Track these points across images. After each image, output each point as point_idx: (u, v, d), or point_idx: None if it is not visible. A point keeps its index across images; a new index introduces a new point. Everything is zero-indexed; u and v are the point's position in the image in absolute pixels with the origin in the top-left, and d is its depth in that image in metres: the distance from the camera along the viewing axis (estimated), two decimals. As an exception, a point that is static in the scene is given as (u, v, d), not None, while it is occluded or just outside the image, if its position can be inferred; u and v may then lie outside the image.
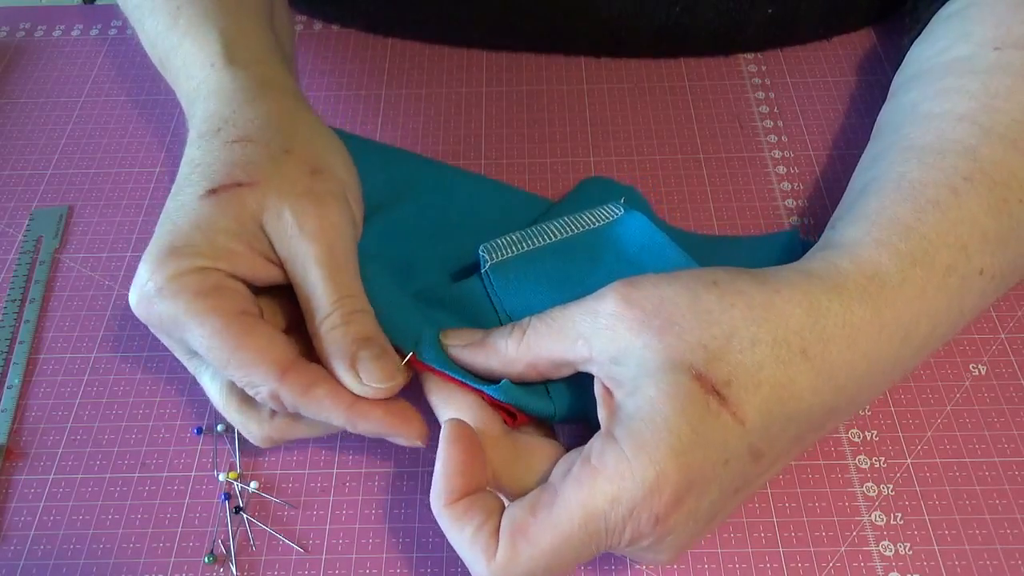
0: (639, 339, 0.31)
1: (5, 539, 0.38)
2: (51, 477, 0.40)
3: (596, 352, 0.32)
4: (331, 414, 0.34)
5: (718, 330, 0.31)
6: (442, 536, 0.37)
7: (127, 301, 0.46)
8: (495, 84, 0.56)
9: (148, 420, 0.41)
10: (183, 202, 0.35)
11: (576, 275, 0.39)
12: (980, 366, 0.42)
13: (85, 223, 0.49)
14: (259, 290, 0.36)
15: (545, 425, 0.37)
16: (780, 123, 0.53)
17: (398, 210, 0.44)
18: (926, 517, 0.37)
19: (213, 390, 0.36)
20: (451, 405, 0.35)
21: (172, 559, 0.37)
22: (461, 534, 0.31)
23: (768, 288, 0.32)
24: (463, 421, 0.33)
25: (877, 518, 0.37)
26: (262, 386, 0.33)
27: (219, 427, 0.40)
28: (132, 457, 0.40)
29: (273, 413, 0.36)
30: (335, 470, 0.39)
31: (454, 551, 0.36)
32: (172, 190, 0.36)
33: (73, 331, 0.45)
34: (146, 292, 0.34)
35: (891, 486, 0.38)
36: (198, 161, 0.36)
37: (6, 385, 0.43)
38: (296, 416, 0.35)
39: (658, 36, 0.55)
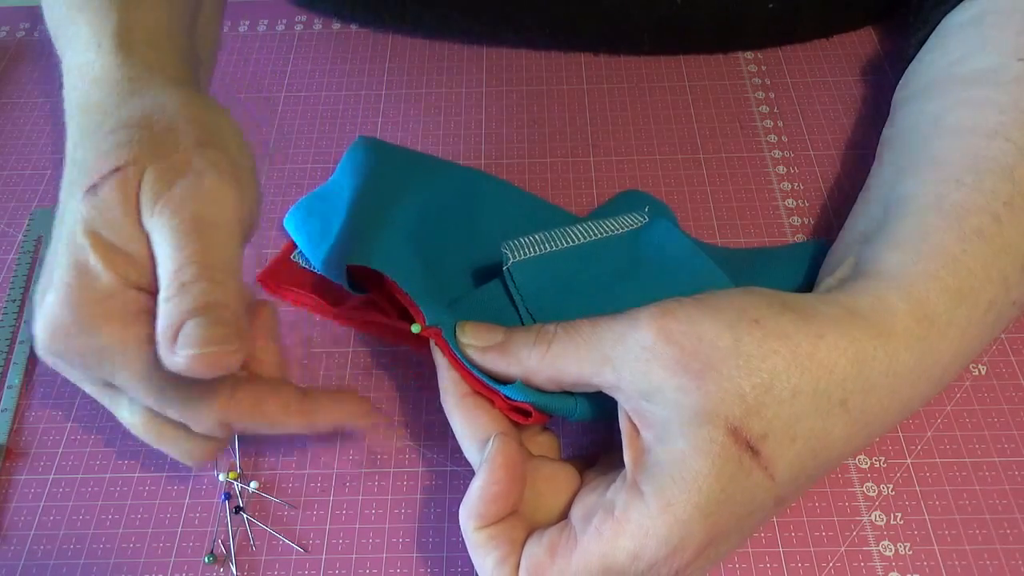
0: (674, 380, 0.30)
1: (5, 539, 0.38)
2: (51, 477, 0.40)
3: (625, 383, 0.31)
4: (286, 424, 0.34)
5: (758, 379, 0.30)
6: (442, 536, 0.37)
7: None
8: (495, 83, 0.56)
9: (148, 420, 0.41)
10: (73, 208, 0.32)
11: (600, 279, 0.38)
12: (980, 366, 0.42)
13: (85, 223, 0.49)
14: None
15: (556, 448, 0.36)
16: (780, 123, 0.53)
17: (425, 214, 0.43)
18: (926, 517, 0.37)
19: (135, 422, 0.34)
20: (477, 425, 0.34)
21: (172, 559, 0.37)
22: (484, 560, 0.31)
23: (812, 332, 0.31)
24: (513, 440, 0.32)
25: (877, 518, 0.37)
26: (208, 419, 0.32)
27: (219, 427, 0.41)
28: (132, 457, 0.40)
29: None
30: (335, 470, 0.39)
31: (454, 551, 0.37)
32: (61, 194, 0.34)
33: (73, 331, 0.45)
34: (59, 325, 0.31)
35: (891, 486, 0.38)
36: (79, 160, 0.34)
37: (6, 385, 0.43)
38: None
39: (659, 29, 0.55)
